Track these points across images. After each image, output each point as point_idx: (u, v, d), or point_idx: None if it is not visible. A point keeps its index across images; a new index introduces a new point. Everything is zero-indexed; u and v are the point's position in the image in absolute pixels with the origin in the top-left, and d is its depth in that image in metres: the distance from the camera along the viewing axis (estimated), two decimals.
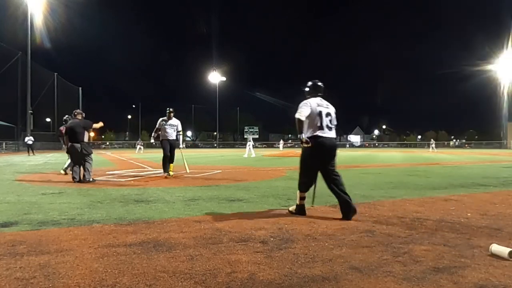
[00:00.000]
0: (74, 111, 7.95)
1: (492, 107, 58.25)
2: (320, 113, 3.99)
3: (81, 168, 7.46)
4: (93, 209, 4.42)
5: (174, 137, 8.47)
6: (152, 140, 8.73)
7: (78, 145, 7.45)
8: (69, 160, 9.17)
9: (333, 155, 4.09)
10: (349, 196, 3.94)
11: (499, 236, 3.19)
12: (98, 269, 2.35)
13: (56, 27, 39.75)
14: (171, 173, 8.33)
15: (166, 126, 8.36)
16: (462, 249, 2.80)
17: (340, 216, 3.94)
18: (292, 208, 4.20)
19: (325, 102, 4.18)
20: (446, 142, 74.38)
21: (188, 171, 9.25)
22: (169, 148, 8.32)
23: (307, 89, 4.28)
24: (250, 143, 22.80)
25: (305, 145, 3.93)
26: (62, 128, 9.30)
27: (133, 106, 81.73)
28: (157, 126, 8.49)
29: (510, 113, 54.19)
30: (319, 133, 3.96)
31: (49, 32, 38.36)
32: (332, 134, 4.08)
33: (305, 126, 4.01)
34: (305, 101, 4.09)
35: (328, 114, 4.07)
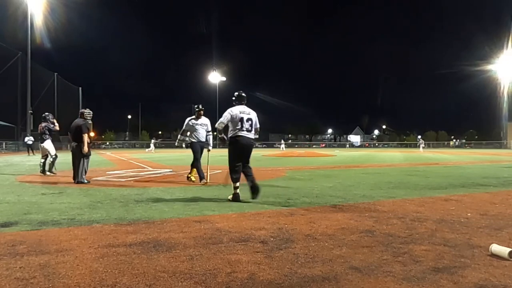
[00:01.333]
0: (81, 110, 7.85)
1: (492, 107, 58.29)
2: (241, 119, 5.08)
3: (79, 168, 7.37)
4: (93, 209, 4.42)
5: (205, 139, 7.49)
6: (183, 145, 7.37)
7: (77, 145, 7.41)
8: (43, 160, 9.28)
9: (249, 151, 5.22)
10: (255, 180, 5.07)
11: (499, 236, 3.19)
12: (98, 269, 2.35)
13: (56, 27, 39.72)
14: (192, 178, 7.39)
15: (197, 126, 7.35)
16: (462, 249, 2.80)
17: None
18: (230, 196, 5.09)
19: (247, 109, 5.24)
20: (446, 142, 74.43)
21: (207, 181, 7.24)
22: (200, 151, 7.37)
23: (233, 98, 5.30)
24: None
25: (228, 142, 5.11)
26: (40, 126, 9.41)
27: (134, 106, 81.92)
28: (184, 127, 7.43)
29: (510, 113, 54.17)
30: (239, 133, 5.06)
31: (49, 32, 38.32)
32: (250, 135, 5.17)
33: (230, 128, 5.14)
34: (229, 109, 5.17)
35: (248, 119, 5.15)
